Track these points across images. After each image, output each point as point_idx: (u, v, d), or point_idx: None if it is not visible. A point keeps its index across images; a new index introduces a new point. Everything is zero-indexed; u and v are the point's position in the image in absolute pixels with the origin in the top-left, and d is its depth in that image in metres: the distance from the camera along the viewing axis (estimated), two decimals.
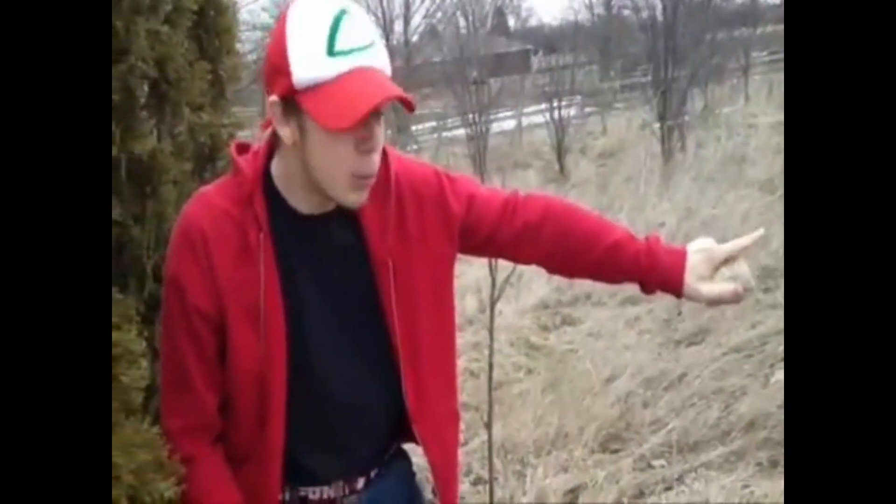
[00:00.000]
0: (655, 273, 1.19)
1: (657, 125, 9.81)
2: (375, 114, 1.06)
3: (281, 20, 1.08)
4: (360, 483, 1.23)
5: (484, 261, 5.95)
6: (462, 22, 18.82)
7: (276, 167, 1.15)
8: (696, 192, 7.28)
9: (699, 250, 1.19)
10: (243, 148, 1.19)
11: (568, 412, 3.29)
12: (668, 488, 2.77)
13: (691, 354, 3.91)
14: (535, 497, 2.75)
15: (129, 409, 1.07)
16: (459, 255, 1.26)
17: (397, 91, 1.05)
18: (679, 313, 4.54)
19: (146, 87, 1.62)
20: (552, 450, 3.05)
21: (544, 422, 3.25)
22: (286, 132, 1.08)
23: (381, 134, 1.09)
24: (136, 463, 1.02)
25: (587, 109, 14.47)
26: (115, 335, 1.05)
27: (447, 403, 1.28)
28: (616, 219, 6.89)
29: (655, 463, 2.95)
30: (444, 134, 15.06)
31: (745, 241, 1.18)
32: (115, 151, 1.41)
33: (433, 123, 16.66)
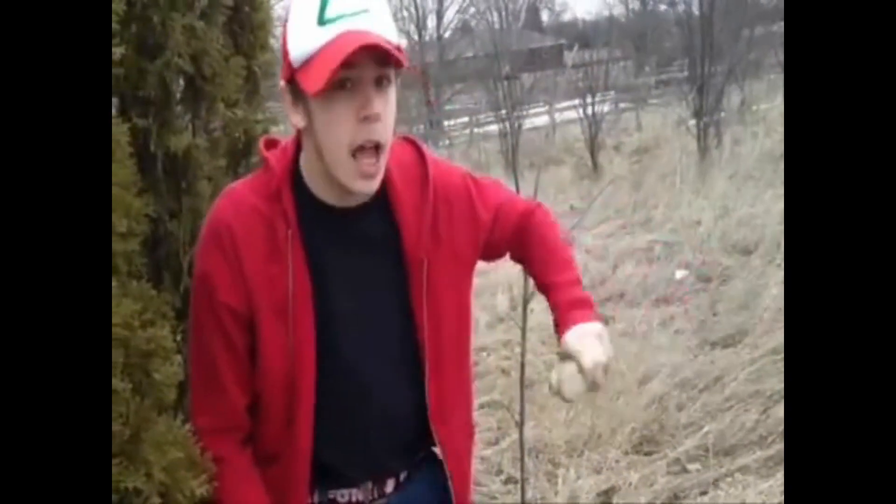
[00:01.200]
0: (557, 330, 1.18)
1: (693, 122, 9.65)
2: (377, 80, 1.02)
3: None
4: (390, 485, 1.22)
5: None
6: (495, 17, 18.75)
7: (303, 160, 1.14)
8: (732, 189, 7.15)
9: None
10: (272, 144, 1.18)
11: (601, 413, 3.24)
12: (704, 493, 2.71)
13: (727, 356, 3.83)
14: (567, 498, 2.71)
15: (163, 405, 1.06)
16: None
17: (376, 40, 0.98)
18: (715, 314, 4.46)
19: (182, 83, 1.62)
20: (584, 451, 3.01)
21: (577, 422, 3.21)
22: (296, 118, 1.07)
23: (383, 101, 1.04)
24: (168, 460, 1.02)
25: (621, 105, 14.30)
26: (148, 331, 1.05)
27: (463, 414, 1.26)
28: (650, 216, 6.84)
29: (691, 467, 2.89)
30: (477, 130, 15.02)
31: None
32: (151, 147, 1.42)
33: (465, 119, 16.61)
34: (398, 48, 1.03)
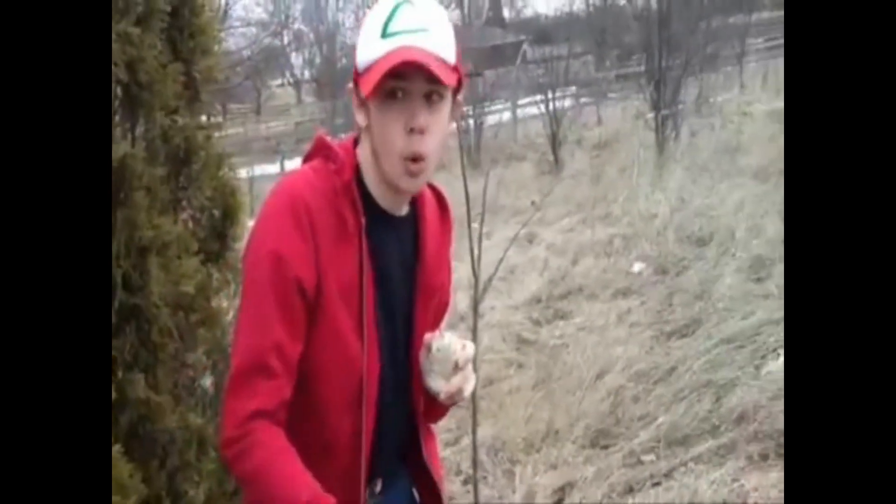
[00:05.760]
0: None
1: (651, 115, 9.77)
2: (426, 96, 1.11)
3: None
4: (378, 486, 1.23)
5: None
6: (458, 14, 18.74)
7: (362, 161, 1.18)
8: (689, 181, 7.25)
9: None
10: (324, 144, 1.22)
11: (558, 408, 3.28)
12: (657, 483, 2.76)
13: (682, 346, 3.90)
14: (524, 496, 2.74)
15: None
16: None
17: (425, 59, 1.07)
18: (670, 305, 4.53)
19: (119, 92, 1.60)
20: (542, 447, 3.04)
21: (534, 419, 3.24)
22: (360, 117, 1.16)
23: (430, 116, 1.12)
24: None
25: (582, 100, 14.41)
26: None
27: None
28: (609, 210, 6.90)
29: (645, 458, 2.93)
30: None
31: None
32: None
33: None
34: (454, 68, 1.12)
